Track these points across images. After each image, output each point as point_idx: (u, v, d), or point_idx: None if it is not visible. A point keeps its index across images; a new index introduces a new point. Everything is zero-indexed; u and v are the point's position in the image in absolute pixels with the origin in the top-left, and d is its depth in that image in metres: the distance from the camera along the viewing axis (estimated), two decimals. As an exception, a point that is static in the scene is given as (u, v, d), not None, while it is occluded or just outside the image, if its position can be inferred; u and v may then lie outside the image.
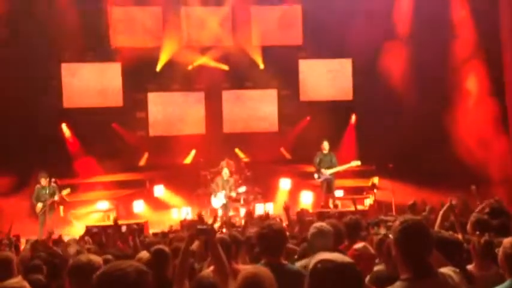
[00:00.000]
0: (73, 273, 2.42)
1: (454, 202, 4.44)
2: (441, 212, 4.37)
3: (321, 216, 8.01)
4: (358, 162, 11.44)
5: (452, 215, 4.53)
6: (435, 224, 4.31)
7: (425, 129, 12.35)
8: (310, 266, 2.11)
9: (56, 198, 10.34)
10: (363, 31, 12.31)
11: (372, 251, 3.69)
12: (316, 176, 11.27)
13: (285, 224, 6.53)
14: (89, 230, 8.97)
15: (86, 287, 2.15)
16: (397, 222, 2.46)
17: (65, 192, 10.40)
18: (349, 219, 4.69)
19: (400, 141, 12.19)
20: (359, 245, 3.74)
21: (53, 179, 10.40)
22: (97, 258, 2.45)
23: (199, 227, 3.09)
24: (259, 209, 11.44)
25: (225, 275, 2.80)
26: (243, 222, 8.82)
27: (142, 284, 1.76)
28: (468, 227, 4.19)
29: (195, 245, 5.11)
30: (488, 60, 12.58)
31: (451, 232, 3.67)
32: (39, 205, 10.24)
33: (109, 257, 4.37)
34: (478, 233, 3.55)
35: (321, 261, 2.08)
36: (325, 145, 11.35)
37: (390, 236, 3.92)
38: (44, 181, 10.32)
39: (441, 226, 4.19)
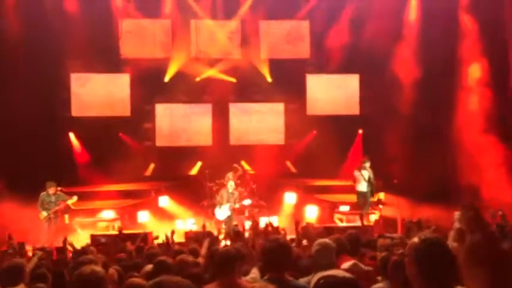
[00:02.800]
0: (76, 284, 2.44)
1: (469, 214, 4.36)
2: (456, 216, 4.28)
3: (326, 231, 7.98)
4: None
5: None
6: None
7: (433, 145, 12.32)
8: (313, 282, 2.13)
9: (62, 205, 10.34)
10: (370, 46, 12.40)
11: (364, 267, 3.64)
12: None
13: (289, 237, 6.52)
14: (95, 240, 8.97)
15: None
16: (417, 240, 2.35)
17: (71, 201, 10.44)
18: (349, 234, 4.67)
19: (406, 157, 12.16)
20: (349, 262, 3.69)
21: (59, 188, 10.44)
22: (99, 269, 2.46)
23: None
24: (263, 222, 11.40)
25: None
26: (246, 234, 8.81)
27: None
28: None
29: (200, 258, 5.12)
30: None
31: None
32: (44, 213, 10.26)
33: (116, 267, 4.39)
34: None
35: (324, 277, 2.11)
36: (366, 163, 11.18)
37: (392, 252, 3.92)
38: (52, 190, 10.35)
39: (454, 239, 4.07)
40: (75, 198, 10.45)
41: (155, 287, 1.80)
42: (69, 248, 6.80)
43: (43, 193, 10.36)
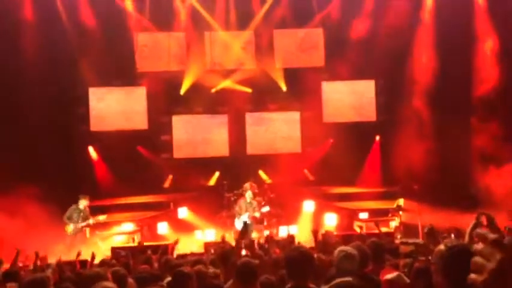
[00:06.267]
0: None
1: (480, 220, 4.31)
2: (468, 230, 4.24)
3: (346, 239, 7.93)
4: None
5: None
6: None
7: (451, 150, 12.18)
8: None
9: (91, 222, 10.50)
10: (385, 52, 12.37)
11: (407, 280, 3.59)
12: None
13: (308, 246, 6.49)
14: (116, 253, 9.02)
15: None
16: (443, 247, 2.29)
17: (102, 218, 10.66)
18: (371, 242, 4.62)
19: (425, 162, 12.04)
20: (393, 274, 3.64)
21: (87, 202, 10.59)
22: (113, 286, 2.47)
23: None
24: (283, 231, 11.39)
25: None
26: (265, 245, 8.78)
27: None
28: None
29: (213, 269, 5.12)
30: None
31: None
32: (71, 226, 10.36)
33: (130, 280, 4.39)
34: None
35: (336, 283, 2.13)
36: None
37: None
38: (83, 203, 10.47)
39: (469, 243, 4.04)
40: (104, 216, 10.71)
41: None
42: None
43: (73, 206, 10.48)
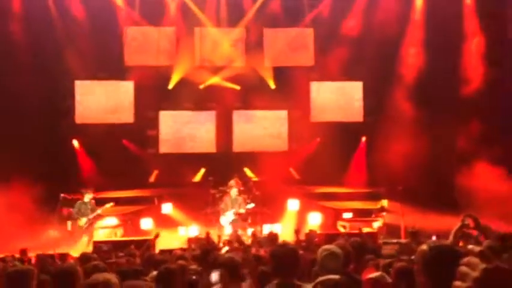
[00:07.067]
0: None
1: (466, 222, 4.35)
2: (453, 231, 4.27)
3: (330, 238, 7.97)
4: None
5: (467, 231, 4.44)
6: None
7: (436, 151, 12.30)
8: (311, 286, 2.19)
9: (100, 211, 10.94)
10: (374, 52, 12.45)
11: (389, 280, 3.61)
12: None
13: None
14: (98, 248, 8.95)
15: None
16: (425, 247, 2.32)
17: (109, 205, 11.02)
18: (354, 241, 4.66)
19: (410, 164, 12.14)
20: (375, 274, 3.67)
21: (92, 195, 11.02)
22: (113, 278, 2.46)
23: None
24: (267, 229, 11.41)
25: None
26: (249, 241, 8.81)
27: None
28: None
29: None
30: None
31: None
32: (84, 219, 10.80)
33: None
34: None
35: (320, 281, 2.17)
36: None
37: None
38: (88, 197, 10.94)
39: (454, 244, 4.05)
40: (111, 204, 11.10)
41: None
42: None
43: (79, 201, 10.92)
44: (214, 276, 2.97)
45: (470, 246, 3.91)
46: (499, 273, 2.02)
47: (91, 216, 10.86)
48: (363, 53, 12.87)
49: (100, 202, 11.21)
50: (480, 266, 1.91)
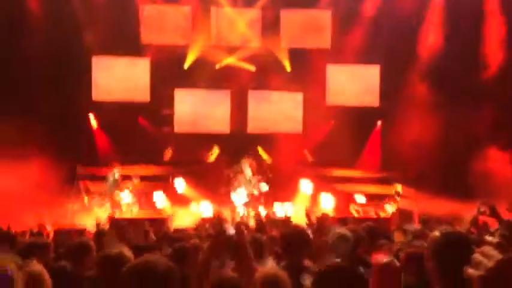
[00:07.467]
0: (103, 264, 2.51)
1: (482, 209, 4.32)
2: (469, 218, 4.25)
3: (342, 221, 8.00)
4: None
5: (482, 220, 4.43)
6: None
7: (452, 138, 12.16)
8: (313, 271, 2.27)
9: (130, 186, 11.52)
10: (393, 35, 12.26)
11: (398, 264, 3.63)
12: None
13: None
14: (115, 223, 9.10)
15: (115, 278, 2.22)
16: (438, 234, 2.33)
17: (136, 181, 11.61)
18: (367, 226, 4.67)
19: (426, 151, 12.05)
20: (385, 258, 3.69)
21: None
22: (127, 252, 2.52)
23: (229, 232, 3.07)
24: (278, 209, 11.48)
25: (250, 275, 2.81)
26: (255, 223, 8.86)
27: (171, 279, 1.82)
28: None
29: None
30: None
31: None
32: (118, 192, 11.42)
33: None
34: None
35: (325, 264, 2.26)
36: None
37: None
38: (117, 173, 11.43)
39: (467, 233, 4.04)
40: (138, 179, 11.65)
41: (131, 270, 1.82)
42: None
43: (110, 177, 11.42)
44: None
45: (488, 238, 3.88)
46: None
47: (124, 190, 11.39)
48: (380, 37, 12.69)
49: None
50: (496, 256, 1.91)
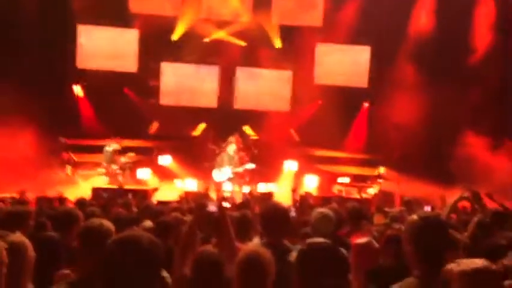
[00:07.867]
0: (84, 236, 2.49)
1: (465, 195, 4.35)
2: (451, 203, 4.24)
3: (325, 201, 8.07)
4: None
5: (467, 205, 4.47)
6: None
7: (436, 121, 12.24)
8: (298, 249, 2.29)
9: (123, 160, 11.55)
10: (385, 16, 12.19)
11: (376, 245, 3.68)
12: None
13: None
14: (97, 194, 9.06)
15: (96, 249, 2.21)
16: (415, 217, 2.35)
17: (131, 154, 11.64)
18: (352, 207, 4.70)
19: (410, 133, 12.12)
20: (363, 239, 3.73)
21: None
22: (108, 224, 2.50)
23: (210, 208, 3.07)
24: (261, 188, 11.54)
25: (232, 252, 2.82)
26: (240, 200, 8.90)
27: (154, 253, 1.81)
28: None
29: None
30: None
31: None
32: (114, 166, 11.46)
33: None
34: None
35: (309, 243, 2.28)
36: None
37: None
38: (113, 146, 11.50)
39: (448, 217, 4.05)
40: (133, 154, 11.69)
41: (115, 244, 1.82)
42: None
43: (107, 150, 11.46)
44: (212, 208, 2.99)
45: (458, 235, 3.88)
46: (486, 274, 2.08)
47: (123, 161, 11.49)
48: (372, 18, 12.58)
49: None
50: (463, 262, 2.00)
